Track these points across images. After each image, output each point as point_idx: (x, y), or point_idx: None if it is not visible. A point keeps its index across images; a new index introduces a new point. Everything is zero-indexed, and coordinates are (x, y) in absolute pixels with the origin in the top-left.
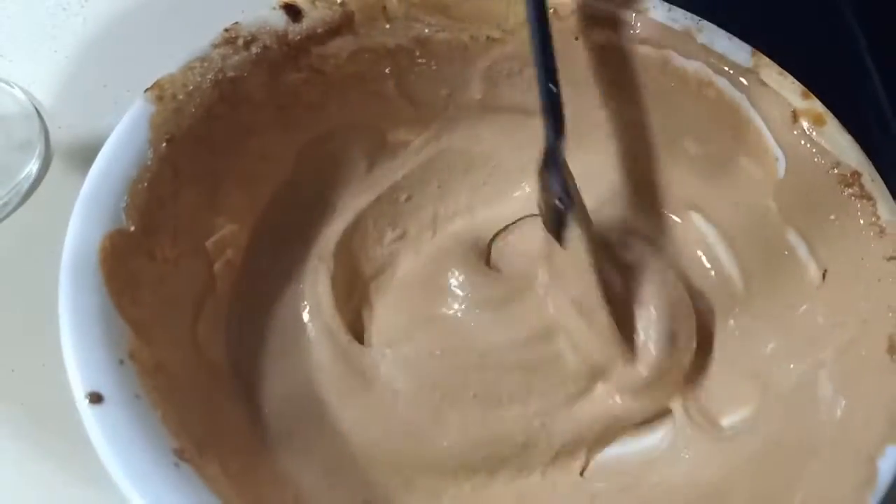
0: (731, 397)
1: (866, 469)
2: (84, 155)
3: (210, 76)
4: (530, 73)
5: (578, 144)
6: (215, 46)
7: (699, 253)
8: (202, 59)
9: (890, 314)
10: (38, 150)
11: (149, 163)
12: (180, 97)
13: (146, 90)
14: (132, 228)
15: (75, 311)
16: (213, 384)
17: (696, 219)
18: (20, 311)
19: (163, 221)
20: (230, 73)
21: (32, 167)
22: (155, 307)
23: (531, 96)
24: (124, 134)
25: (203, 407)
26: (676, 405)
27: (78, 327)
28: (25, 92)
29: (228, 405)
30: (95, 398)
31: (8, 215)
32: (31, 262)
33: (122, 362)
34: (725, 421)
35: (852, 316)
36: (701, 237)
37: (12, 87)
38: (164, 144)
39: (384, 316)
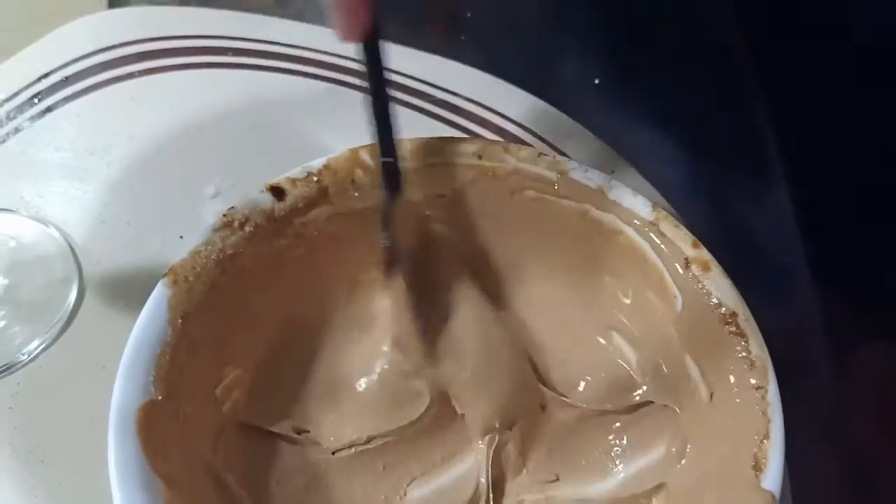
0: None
1: None
2: (113, 286)
3: (213, 256)
4: (476, 223)
5: (523, 280)
6: (216, 230)
7: (621, 363)
8: (206, 244)
9: (756, 437)
10: (76, 284)
11: (168, 338)
12: (191, 279)
13: (164, 276)
14: (159, 397)
15: (122, 479)
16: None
17: (617, 339)
18: (64, 428)
19: (183, 385)
20: (229, 251)
21: (71, 300)
22: (181, 458)
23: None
24: (149, 317)
25: None
26: None
27: (126, 493)
28: (60, 230)
29: None
30: None
31: (52, 344)
32: (74, 382)
33: None
34: None
35: (730, 435)
36: (621, 354)
37: (48, 226)
38: (179, 321)
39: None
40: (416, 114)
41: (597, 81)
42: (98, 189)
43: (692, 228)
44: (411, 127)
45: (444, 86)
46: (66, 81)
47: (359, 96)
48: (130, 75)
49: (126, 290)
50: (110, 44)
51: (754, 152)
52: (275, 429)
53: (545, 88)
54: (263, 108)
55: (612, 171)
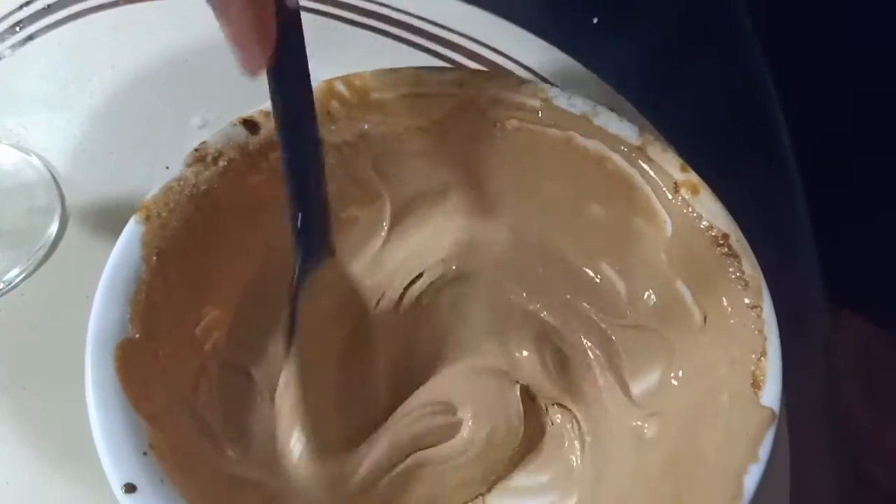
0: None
1: (735, 485)
2: (96, 216)
3: (186, 192)
4: (454, 154)
5: (508, 212)
6: (188, 165)
7: (611, 292)
8: (179, 179)
9: (753, 355)
10: (58, 213)
11: (143, 276)
12: (164, 215)
13: (135, 212)
14: (137, 336)
15: (103, 416)
16: (217, 453)
17: (605, 268)
18: (46, 355)
19: (160, 324)
20: (203, 187)
21: (53, 229)
22: (163, 398)
23: (455, 172)
24: (121, 254)
25: (213, 475)
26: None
27: (107, 429)
28: (42, 159)
29: (231, 469)
30: (130, 488)
31: (33, 273)
32: (56, 310)
33: (145, 454)
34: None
35: (726, 356)
36: (610, 284)
37: (30, 155)
38: (154, 258)
39: None
40: (404, 46)
41: (595, 20)
42: (81, 118)
43: None
44: (399, 59)
45: (437, 20)
46: (49, 9)
47: (347, 28)
48: (114, 3)
49: (109, 220)
50: None
51: (755, 93)
52: (255, 370)
53: (541, 26)
54: None
55: (612, 109)
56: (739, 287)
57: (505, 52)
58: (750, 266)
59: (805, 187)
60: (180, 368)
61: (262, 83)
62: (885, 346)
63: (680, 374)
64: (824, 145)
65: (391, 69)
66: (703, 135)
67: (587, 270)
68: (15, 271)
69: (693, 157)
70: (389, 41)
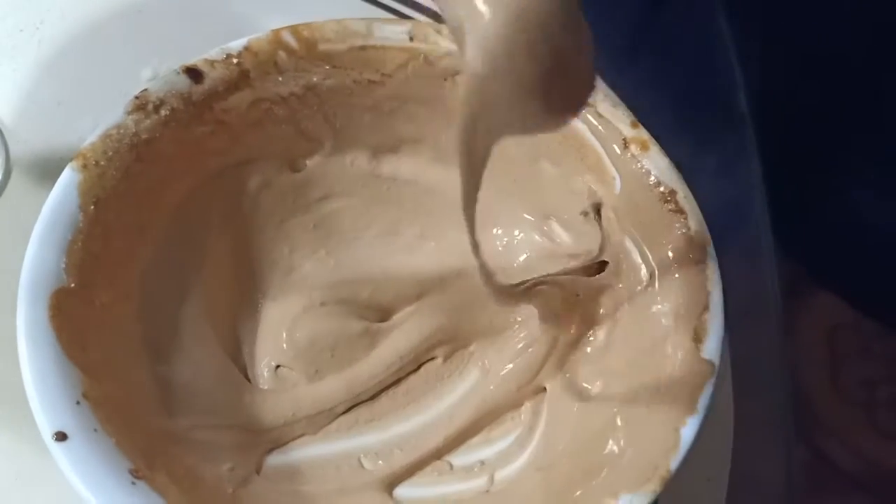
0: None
1: (673, 436)
2: (41, 168)
3: (126, 141)
4: (408, 109)
5: (454, 163)
6: (129, 113)
7: (560, 249)
8: (118, 127)
9: (696, 309)
10: (1, 165)
11: (80, 225)
12: (102, 163)
13: (72, 159)
14: (72, 285)
15: (35, 364)
16: (149, 403)
17: (555, 226)
18: None
19: (98, 273)
20: (144, 136)
21: None
22: (98, 348)
23: (409, 128)
24: (57, 202)
25: (145, 424)
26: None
27: (39, 378)
28: None
29: (162, 420)
30: (61, 436)
31: None
32: None
33: (78, 403)
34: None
35: (671, 309)
36: (560, 240)
37: None
38: (92, 207)
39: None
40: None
41: None
42: (28, 68)
43: None
44: (351, 11)
45: None
46: None
47: None
48: None
49: (55, 173)
50: None
51: (722, 82)
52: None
53: None
54: None
55: None
56: (685, 243)
57: None
58: (696, 222)
59: (763, 159)
60: (119, 319)
61: (212, 39)
62: (851, 331)
63: (626, 328)
64: (786, 120)
65: (340, 20)
66: (662, 98)
67: (537, 227)
68: None
69: (650, 118)
70: None
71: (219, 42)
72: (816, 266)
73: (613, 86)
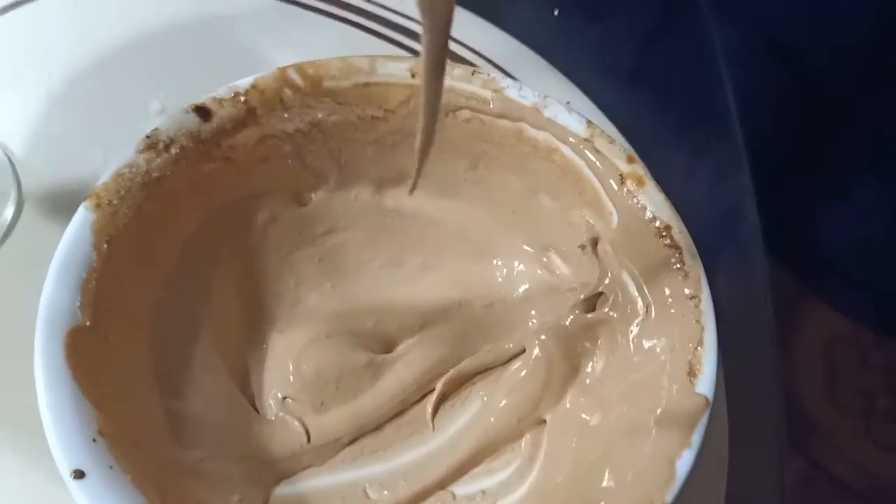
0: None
1: (668, 470)
2: (52, 201)
3: (138, 179)
4: (410, 143)
5: (459, 199)
6: (140, 152)
7: (559, 282)
8: (130, 166)
9: (690, 344)
10: (13, 196)
11: (94, 263)
12: (115, 202)
13: (86, 199)
14: (87, 323)
15: (52, 403)
16: (161, 435)
17: (554, 258)
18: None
19: (111, 310)
20: (155, 174)
21: (8, 213)
22: (111, 383)
23: (412, 161)
24: (71, 241)
25: (158, 457)
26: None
27: (57, 416)
28: None
29: (174, 452)
30: (79, 474)
31: None
32: (10, 294)
33: (94, 440)
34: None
35: (667, 343)
36: (559, 273)
37: None
38: (105, 245)
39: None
40: (364, 34)
41: (556, 13)
42: (38, 101)
43: None
44: (356, 48)
45: (396, 8)
46: None
47: (308, 14)
48: None
49: (66, 205)
50: None
51: (707, 88)
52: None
53: (504, 19)
54: (212, 23)
55: (568, 102)
56: (680, 278)
57: (463, 41)
58: (690, 257)
59: (754, 171)
60: (130, 353)
61: (218, 73)
62: (849, 342)
63: (623, 361)
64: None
65: (344, 57)
66: (658, 126)
67: (536, 259)
68: None
69: (647, 148)
70: (347, 27)
71: (224, 75)
72: (811, 277)
73: (614, 106)
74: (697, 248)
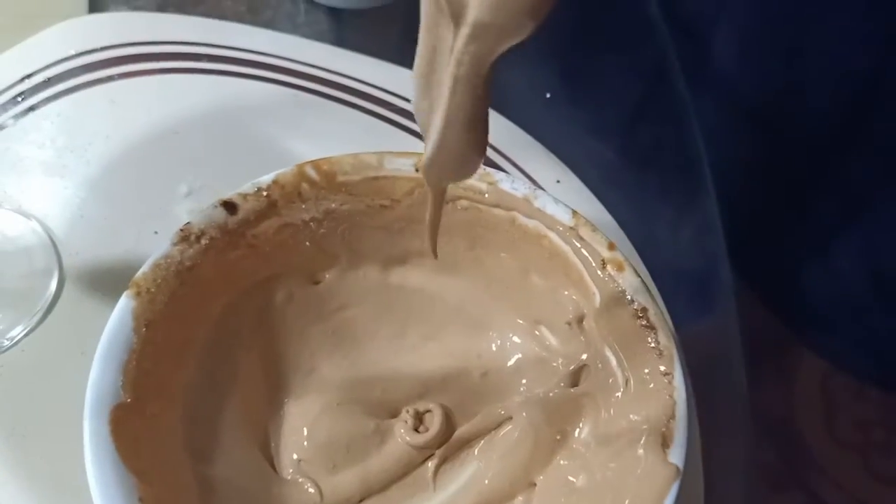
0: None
1: None
2: (91, 277)
3: (173, 269)
4: (414, 228)
5: (459, 276)
6: (174, 244)
7: (548, 354)
8: (166, 257)
9: (664, 417)
10: (56, 274)
11: (134, 346)
12: (152, 290)
13: (128, 288)
14: (129, 400)
15: (99, 473)
16: (193, 501)
17: (545, 331)
18: (45, 406)
19: (149, 388)
20: (187, 263)
21: (51, 289)
22: (149, 454)
23: (416, 243)
24: (115, 327)
25: None
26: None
27: (103, 485)
28: (41, 224)
29: None
30: None
31: (34, 329)
32: (54, 365)
33: None
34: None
35: (644, 415)
36: (549, 346)
37: (30, 220)
38: (144, 329)
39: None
40: (377, 121)
41: (548, 95)
42: (77, 185)
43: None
44: (370, 134)
45: (402, 93)
46: (49, 82)
47: (325, 103)
48: (110, 78)
49: (103, 281)
50: (91, 47)
51: (686, 163)
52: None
53: (498, 102)
54: (235, 113)
55: (558, 181)
56: (655, 356)
57: None
58: (665, 337)
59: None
60: (167, 425)
61: (241, 158)
62: (847, 374)
63: (606, 429)
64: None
65: (356, 154)
66: (640, 197)
67: (528, 332)
68: (17, 329)
69: (631, 217)
70: (362, 115)
71: (246, 161)
72: (796, 324)
73: (599, 182)
74: (675, 303)
